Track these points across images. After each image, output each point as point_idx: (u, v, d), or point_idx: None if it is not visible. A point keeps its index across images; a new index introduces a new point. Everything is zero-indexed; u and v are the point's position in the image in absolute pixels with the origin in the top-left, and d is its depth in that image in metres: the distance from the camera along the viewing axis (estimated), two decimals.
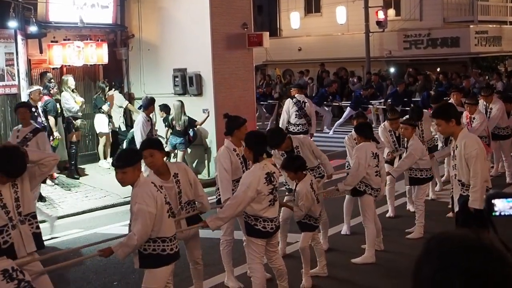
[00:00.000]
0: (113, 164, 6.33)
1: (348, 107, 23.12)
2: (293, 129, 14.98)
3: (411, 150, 10.12)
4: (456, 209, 7.66)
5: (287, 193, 9.26)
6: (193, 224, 7.35)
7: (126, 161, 6.20)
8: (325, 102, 24.22)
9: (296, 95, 15.48)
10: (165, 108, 15.14)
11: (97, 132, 16.14)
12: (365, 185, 9.17)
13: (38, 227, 6.66)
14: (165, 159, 7.31)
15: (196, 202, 7.48)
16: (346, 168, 10.78)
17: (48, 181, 14.22)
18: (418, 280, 2.02)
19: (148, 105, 13.84)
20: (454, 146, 7.50)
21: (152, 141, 7.54)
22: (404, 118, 11.31)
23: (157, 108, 14.94)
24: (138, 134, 13.45)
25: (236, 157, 8.09)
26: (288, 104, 15.51)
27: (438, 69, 28.06)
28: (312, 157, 9.35)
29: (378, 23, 29.81)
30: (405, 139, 10.47)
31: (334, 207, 10.87)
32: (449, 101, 12.77)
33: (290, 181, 8.80)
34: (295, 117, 15.23)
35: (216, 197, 8.45)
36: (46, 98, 13.96)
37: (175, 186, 7.11)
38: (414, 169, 10.34)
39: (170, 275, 6.64)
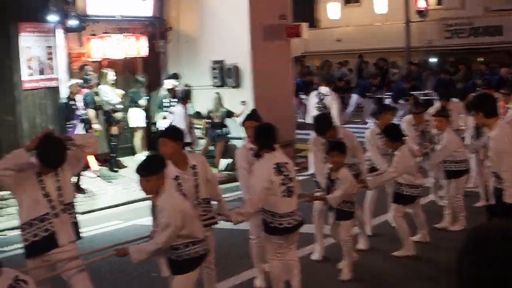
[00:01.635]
0: (137, 172, 6.14)
1: (388, 98, 22.87)
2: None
3: (446, 143, 9.86)
4: (492, 201, 7.53)
5: (316, 189, 8.98)
6: (208, 226, 7.12)
7: (150, 169, 6.06)
8: (367, 94, 23.96)
9: (320, 88, 14.99)
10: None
11: (132, 127, 16.14)
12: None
13: (75, 217, 6.73)
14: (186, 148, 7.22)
15: (213, 203, 7.31)
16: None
17: (89, 173, 14.37)
18: (459, 272, 1.99)
19: (185, 97, 13.88)
20: (489, 137, 7.40)
21: (167, 130, 7.47)
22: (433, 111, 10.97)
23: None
24: (180, 126, 13.48)
25: (253, 157, 7.77)
26: (313, 96, 15.14)
27: (479, 59, 27.63)
28: (349, 154, 8.89)
29: (419, 12, 29.46)
30: (433, 132, 10.24)
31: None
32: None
33: (320, 174, 8.64)
34: (316, 109, 14.60)
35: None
36: (85, 91, 14.07)
37: (193, 178, 6.93)
38: (449, 161, 10.07)
39: None
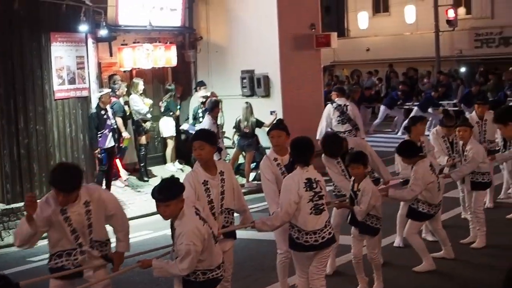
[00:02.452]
0: (153, 196, 5.82)
1: (416, 107, 22.67)
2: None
3: (474, 154, 9.64)
4: None
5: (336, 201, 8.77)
6: (229, 237, 6.99)
7: (169, 194, 5.75)
8: (396, 104, 23.82)
9: (336, 99, 14.45)
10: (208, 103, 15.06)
11: (165, 136, 16.17)
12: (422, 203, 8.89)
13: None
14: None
15: (239, 215, 7.19)
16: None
17: (118, 183, 14.42)
18: None
19: (213, 107, 13.84)
20: None
21: (204, 133, 7.21)
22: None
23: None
24: None
25: (277, 167, 7.61)
26: (329, 109, 14.46)
27: (511, 69, 27.35)
28: None
29: (448, 21, 29.30)
30: (460, 143, 10.03)
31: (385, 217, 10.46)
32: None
33: (344, 186, 8.49)
34: (338, 123, 14.18)
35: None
36: (113, 99, 14.12)
37: (220, 185, 6.77)
38: (475, 172, 9.87)
39: None
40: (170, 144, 16.19)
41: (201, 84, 16.10)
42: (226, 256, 6.86)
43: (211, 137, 6.92)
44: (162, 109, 15.93)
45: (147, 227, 12.22)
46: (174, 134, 16.11)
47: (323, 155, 8.51)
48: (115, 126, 13.65)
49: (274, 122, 14.49)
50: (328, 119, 14.35)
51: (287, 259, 7.78)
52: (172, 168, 15.87)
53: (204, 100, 15.34)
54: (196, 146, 6.70)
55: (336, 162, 8.59)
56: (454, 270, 9.00)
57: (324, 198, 6.97)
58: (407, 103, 24.30)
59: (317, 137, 13.18)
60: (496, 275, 8.44)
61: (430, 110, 22.36)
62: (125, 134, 14.23)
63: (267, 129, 13.81)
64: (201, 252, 5.78)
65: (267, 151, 8.15)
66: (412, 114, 22.20)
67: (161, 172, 15.78)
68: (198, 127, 14.92)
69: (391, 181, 9.27)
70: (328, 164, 8.65)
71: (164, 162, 16.48)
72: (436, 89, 23.30)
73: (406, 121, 21.50)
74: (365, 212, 7.85)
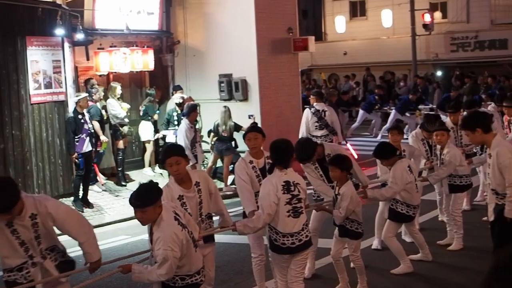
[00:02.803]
0: (131, 203, 5.75)
1: (394, 110, 22.85)
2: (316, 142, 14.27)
3: (450, 158, 9.70)
4: (492, 218, 7.45)
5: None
6: (207, 239, 6.98)
7: (146, 199, 5.68)
8: (374, 109, 23.95)
9: (314, 104, 14.48)
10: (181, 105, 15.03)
11: (143, 140, 16.12)
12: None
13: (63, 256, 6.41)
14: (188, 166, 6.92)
15: (218, 217, 7.20)
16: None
17: (96, 188, 14.32)
18: None
19: (190, 112, 13.73)
20: (488, 154, 7.30)
21: (177, 148, 7.08)
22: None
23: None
24: (181, 141, 13.41)
25: (252, 170, 7.64)
26: (307, 114, 14.50)
27: (486, 73, 27.60)
28: None
29: (425, 26, 29.50)
30: (438, 147, 10.06)
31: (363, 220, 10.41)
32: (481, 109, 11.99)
33: (322, 190, 8.51)
34: (315, 128, 14.26)
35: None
36: (90, 104, 14.04)
37: (196, 196, 6.76)
38: (453, 175, 9.95)
39: None
40: (149, 148, 16.12)
41: (178, 88, 16.04)
42: (208, 259, 6.92)
43: (183, 151, 6.92)
44: (141, 113, 15.89)
45: (125, 232, 12.16)
46: (153, 138, 16.05)
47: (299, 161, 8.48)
48: (92, 131, 13.56)
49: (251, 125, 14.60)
50: (306, 124, 14.41)
51: (261, 262, 7.85)
52: (151, 173, 15.80)
53: (179, 102, 15.23)
54: (172, 162, 6.61)
55: (314, 167, 8.59)
56: (432, 272, 9.05)
57: (303, 201, 6.95)
58: (384, 107, 24.46)
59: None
60: (472, 277, 8.51)
61: (407, 114, 22.52)
62: (103, 138, 14.14)
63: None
64: (179, 257, 5.74)
65: (242, 155, 8.10)
66: (390, 118, 22.43)
67: (139, 176, 15.71)
68: (172, 131, 14.90)
69: (370, 185, 9.22)
70: (306, 169, 8.65)
71: (142, 166, 16.41)
72: (415, 92, 23.40)
73: (387, 124, 21.80)
74: (343, 217, 7.85)
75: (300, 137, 13.86)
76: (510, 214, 7.07)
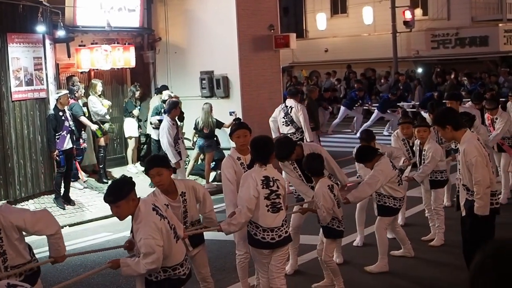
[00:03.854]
0: (105, 200, 5.82)
1: (376, 110, 23.06)
2: None
3: (432, 153, 9.80)
4: (463, 213, 7.55)
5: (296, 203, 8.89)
6: (196, 243, 7.06)
7: (117, 195, 5.72)
8: (355, 105, 24.06)
9: (286, 101, 14.55)
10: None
11: (126, 136, 16.14)
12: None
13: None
14: (172, 176, 6.92)
15: (204, 218, 7.19)
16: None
17: (78, 185, 14.30)
18: None
19: (171, 108, 13.69)
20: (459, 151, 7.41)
21: (158, 159, 7.06)
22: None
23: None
24: (164, 138, 13.41)
25: (240, 167, 7.64)
26: (277, 110, 14.58)
27: (464, 71, 27.74)
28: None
29: (405, 23, 29.63)
30: (417, 143, 10.16)
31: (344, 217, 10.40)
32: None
33: (302, 190, 8.56)
34: (282, 124, 14.26)
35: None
36: (71, 101, 14.01)
37: (182, 206, 6.80)
38: (434, 171, 10.06)
39: None
40: (131, 144, 16.11)
41: (164, 88, 15.97)
42: (199, 257, 7.07)
43: (166, 161, 6.94)
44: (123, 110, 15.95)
45: (106, 229, 12.16)
46: (136, 135, 16.04)
47: (280, 163, 8.48)
48: (73, 128, 13.54)
49: (234, 122, 14.61)
50: (274, 121, 14.46)
51: (246, 259, 7.84)
52: (134, 170, 15.79)
53: (165, 99, 15.20)
54: (153, 173, 6.61)
55: (293, 167, 8.62)
56: (414, 268, 9.12)
57: (282, 197, 6.99)
58: (365, 104, 24.59)
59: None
60: (456, 273, 8.57)
61: (388, 111, 22.69)
62: (94, 127, 14.31)
63: (227, 129, 13.96)
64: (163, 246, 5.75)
65: (226, 152, 8.13)
66: (372, 117, 22.61)
67: (120, 173, 15.66)
68: (157, 117, 14.92)
69: (349, 184, 9.26)
70: (285, 169, 8.68)
71: (123, 163, 16.39)
72: (395, 90, 23.53)
73: (368, 122, 21.91)
74: (325, 216, 7.89)
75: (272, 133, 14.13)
76: (480, 211, 7.19)
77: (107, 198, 5.76)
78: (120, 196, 5.70)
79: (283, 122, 14.27)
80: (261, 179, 6.82)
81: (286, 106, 14.31)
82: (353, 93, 24.77)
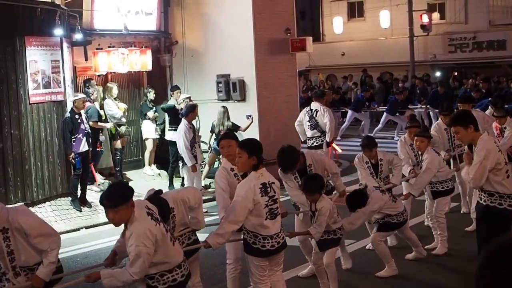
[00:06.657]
0: (102, 203, 5.68)
1: (385, 112, 22.98)
2: (310, 143, 14.23)
3: (428, 164, 9.59)
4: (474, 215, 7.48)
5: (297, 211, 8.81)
6: (191, 250, 6.95)
7: (118, 199, 5.58)
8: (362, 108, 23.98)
9: (312, 104, 14.51)
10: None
11: (144, 138, 16.21)
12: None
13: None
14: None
15: (190, 218, 7.11)
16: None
17: (94, 187, 14.37)
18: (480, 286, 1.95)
19: (188, 112, 13.69)
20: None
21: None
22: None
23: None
24: (181, 141, 13.41)
25: (234, 178, 7.40)
26: (301, 114, 14.63)
27: (478, 76, 27.55)
28: (325, 175, 8.74)
29: (423, 26, 29.54)
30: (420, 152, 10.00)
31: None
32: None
33: (300, 201, 8.45)
34: (308, 128, 14.22)
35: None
36: (88, 104, 14.08)
37: (170, 221, 6.73)
38: (433, 182, 9.90)
39: None
40: (149, 146, 16.18)
41: (176, 88, 15.99)
42: (192, 264, 6.87)
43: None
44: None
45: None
46: (154, 137, 16.10)
47: (279, 169, 8.38)
48: (89, 131, 13.61)
49: (251, 126, 14.65)
50: (300, 124, 14.46)
51: (236, 270, 7.72)
52: (150, 172, 15.85)
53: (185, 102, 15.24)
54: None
55: (294, 177, 8.53)
56: (418, 275, 9.06)
57: (278, 201, 6.87)
58: (372, 107, 24.46)
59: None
60: (462, 280, 8.52)
61: (397, 114, 22.64)
62: (109, 125, 14.56)
63: (243, 133, 14.00)
64: (155, 253, 5.64)
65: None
66: (382, 120, 22.56)
67: (137, 176, 15.76)
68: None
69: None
70: (285, 179, 8.55)
71: (140, 166, 16.46)
72: (399, 92, 23.33)
73: (379, 125, 21.84)
74: (321, 232, 7.82)
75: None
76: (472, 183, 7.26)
77: (108, 202, 5.61)
78: (122, 200, 5.58)
79: (308, 125, 14.24)
80: (259, 187, 6.60)
81: (311, 110, 14.27)
82: (359, 96, 24.73)
